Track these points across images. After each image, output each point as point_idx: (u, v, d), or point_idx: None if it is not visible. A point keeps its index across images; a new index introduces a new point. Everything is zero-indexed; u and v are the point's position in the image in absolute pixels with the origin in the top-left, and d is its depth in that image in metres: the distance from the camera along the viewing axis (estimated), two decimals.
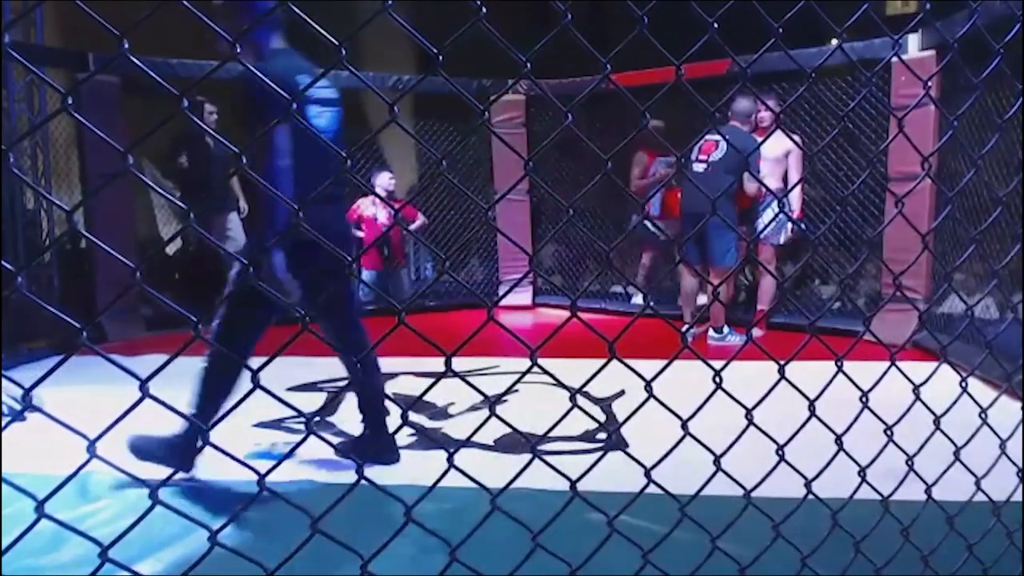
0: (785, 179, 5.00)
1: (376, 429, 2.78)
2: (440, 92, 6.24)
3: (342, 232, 2.95)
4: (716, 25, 1.14)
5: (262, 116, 2.40)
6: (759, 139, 5.17)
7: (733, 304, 5.74)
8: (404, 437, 2.97)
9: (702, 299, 5.31)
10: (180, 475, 2.54)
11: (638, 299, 6.22)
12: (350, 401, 2.96)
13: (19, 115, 5.91)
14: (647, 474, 1.17)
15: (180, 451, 2.53)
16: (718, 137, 4.67)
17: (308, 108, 2.55)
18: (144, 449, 2.56)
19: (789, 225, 5.09)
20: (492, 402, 1.02)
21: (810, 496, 1.33)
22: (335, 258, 2.39)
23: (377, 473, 2.58)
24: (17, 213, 5.42)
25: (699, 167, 4.80)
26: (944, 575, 1.51)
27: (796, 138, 5.07)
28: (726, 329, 4.97)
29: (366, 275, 6.64)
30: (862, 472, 1.38)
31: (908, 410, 1.37)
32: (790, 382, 1.27)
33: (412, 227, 6.57)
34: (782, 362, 1.29)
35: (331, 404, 3.46)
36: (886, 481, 1.42)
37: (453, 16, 1.19)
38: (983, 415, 1.51)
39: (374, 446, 2.76)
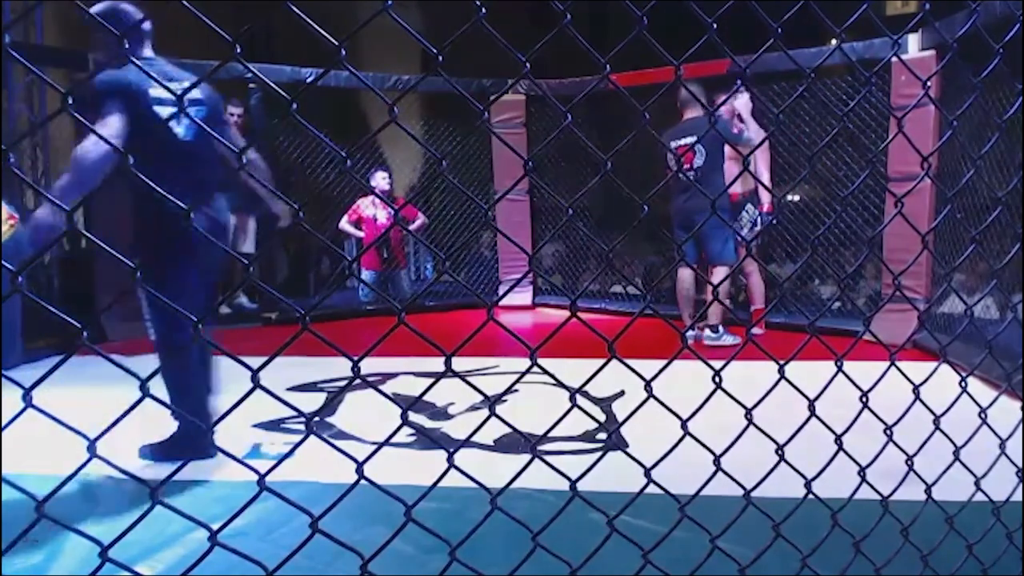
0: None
1: (187, 425, 2.73)
2: (440, 92, 6.28)
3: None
4: (716, 25, 1.14)
5: (91, 118, 2.46)
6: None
7: (731, 304, 5.74)
8: (404, 437, 2.97)
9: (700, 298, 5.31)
10: (204, 462, 2.60)
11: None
12: (348, 403, 2.89)
13: (19, 115, 5.91)
14: (647, 474, 1.17)
15: (193, 441, 2.67)
16: (689, 140, 4.69)
17: (156, 110, 2.57)
18: (161, 453, 2.75)
19: (757, 219, 5.08)
20: (492, 402, 1.02)
21: (810, 496, 1.33)
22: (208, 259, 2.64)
23: (377, 473, 2.57)
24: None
25: (689, 175, 4.79)
26: (944, 575, 1.51)
27: (753, 125, 4.87)
28: (721, 329, 4.97)
29: (366, 275, 6.65)
30: (862, 472, 1.38)
31: (908, 410, 1.37)
32: (790, 382, 1.27)
33: (412, 227, 6.56)
34: (782, 362, 1.29)
35: (331, 404, 3.47)
36: (886, 481, 1.42)
37: (454, 16, 1.19)
38: (983, 415, 1.51)
39: (186, 443, 2.74)
